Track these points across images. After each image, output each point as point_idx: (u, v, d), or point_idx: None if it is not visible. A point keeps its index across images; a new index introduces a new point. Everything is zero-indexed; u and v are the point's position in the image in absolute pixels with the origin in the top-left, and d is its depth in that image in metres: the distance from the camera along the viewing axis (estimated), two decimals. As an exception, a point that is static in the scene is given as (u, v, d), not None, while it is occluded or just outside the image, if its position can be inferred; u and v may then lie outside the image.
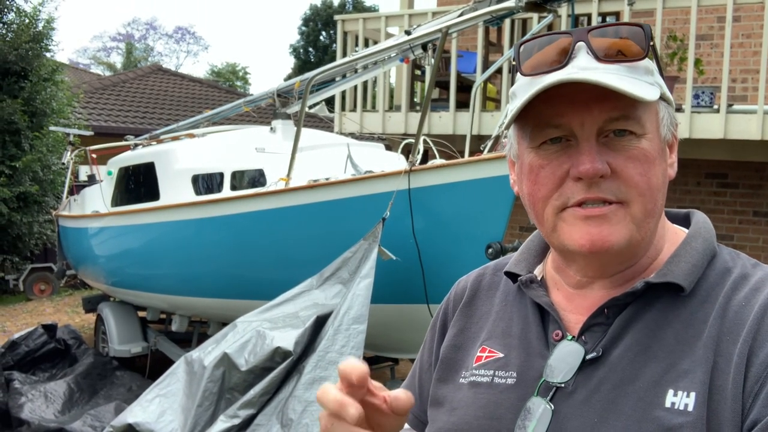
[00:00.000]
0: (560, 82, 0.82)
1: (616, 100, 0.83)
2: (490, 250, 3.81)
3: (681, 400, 0.80)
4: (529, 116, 0.88)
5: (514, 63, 0.92)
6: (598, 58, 0.86)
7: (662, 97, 0.89)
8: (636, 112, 0.86)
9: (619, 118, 0.85)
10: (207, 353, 3.93)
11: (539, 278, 1.00)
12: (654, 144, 0.88)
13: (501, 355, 0.97)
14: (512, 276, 1.02)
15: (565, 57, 0.86)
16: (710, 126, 5.52)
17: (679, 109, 5.69)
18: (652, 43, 0.87)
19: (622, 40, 0.87)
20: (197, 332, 6.77)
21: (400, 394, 0.71)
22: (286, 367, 3.70)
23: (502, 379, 0.94)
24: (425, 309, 4.15)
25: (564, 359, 0.90)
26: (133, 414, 3.84)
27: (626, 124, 0.85)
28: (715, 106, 5.65)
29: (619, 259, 0.90)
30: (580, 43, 0.87)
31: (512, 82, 0.93)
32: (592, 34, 0.87)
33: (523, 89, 0.88)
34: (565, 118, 0.86)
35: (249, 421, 3.63)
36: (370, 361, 5.38)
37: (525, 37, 0.92)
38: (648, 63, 0.88)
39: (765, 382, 0.77)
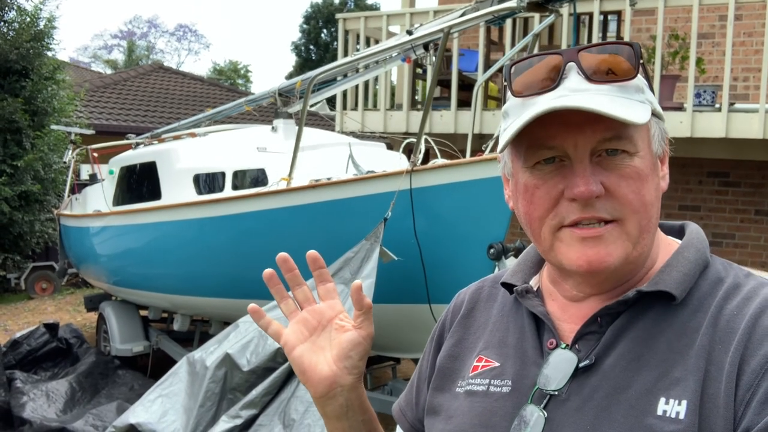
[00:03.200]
0: (552, 110, 0.83)
1: (609, 121, 0.84)
2: (492, 251, 3.81)
3: (672, 408, 0.80)
4: (523, 137, 0.88)
5: (505, 84, 0.92)
6: (588, 79, 0.86)
7: (653, 113, 0.90)
8: (628, 132, 0.86)
9: (612, 139, 0.86)
10: (209, 353, 3.95)
11: (535, 289, 1.01)
12: (646, 161, 0.88)
13: (497, 364, 0.98)
14: (509, 287, 1.03)
15: (555, 77, 0.87)
16: (712, 125, 5.52)
17: (680, 108, 5.69)
18: (642, 61, 0.88)
19: (611, 57, 0.87)
20: (199, 331, 6.79)
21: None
22: (288, 367, 3.71)
23: (497, 388, 0.95)
24: (427, 309, 4.15)
25: (557, 367, 0.90)
26: (135, 414, 3.85)
27: (618, 143, 0.86)
28: (717, 105, 5.65)
29: (616, 277, 0.91)
30: (571, 63, 0.87)
31: (504, 98, 0.94)
32: (582, 53, 0.87)
33: (515, 110, 0.89)
34: (558, 139, 0.86)
35: (251, 421, 3.64)
36: (371, 360, 5.38)
37: (515, 59, 0.93)
38: (638, 81, 0.88)
39: (756, 390, 0.78)
